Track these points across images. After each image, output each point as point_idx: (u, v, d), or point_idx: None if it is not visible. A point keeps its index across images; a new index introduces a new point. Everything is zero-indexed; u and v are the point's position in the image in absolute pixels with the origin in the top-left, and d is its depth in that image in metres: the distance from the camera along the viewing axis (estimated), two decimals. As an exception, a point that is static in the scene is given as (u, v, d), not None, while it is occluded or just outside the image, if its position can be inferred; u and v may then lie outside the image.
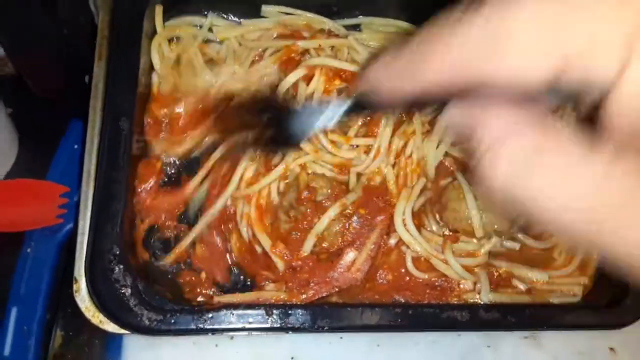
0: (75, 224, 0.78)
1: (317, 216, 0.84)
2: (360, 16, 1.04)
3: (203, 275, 0.84)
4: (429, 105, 0.48)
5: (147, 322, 0.72)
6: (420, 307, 0.81)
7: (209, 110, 0.90)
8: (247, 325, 0.75)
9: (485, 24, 0.36)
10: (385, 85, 0.45)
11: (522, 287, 0.90)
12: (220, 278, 0.85)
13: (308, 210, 0.85)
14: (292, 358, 0.83)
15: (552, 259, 0.95)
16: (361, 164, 0.89)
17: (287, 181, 0.89)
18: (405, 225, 0.86)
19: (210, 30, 0.98)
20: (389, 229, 0.87)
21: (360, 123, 0.91)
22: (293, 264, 0.83)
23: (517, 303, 0.87)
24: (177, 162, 0.91)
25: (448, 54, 0.39)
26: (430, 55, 0.40)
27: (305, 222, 0.84)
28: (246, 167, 0.88)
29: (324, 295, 0.81)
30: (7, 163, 0.94)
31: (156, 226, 0.87)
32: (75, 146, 0.93)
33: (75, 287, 0.75)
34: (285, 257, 0.83)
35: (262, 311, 0.76)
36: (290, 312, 0.76)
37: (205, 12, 0.99)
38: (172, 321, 0.73)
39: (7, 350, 0.78)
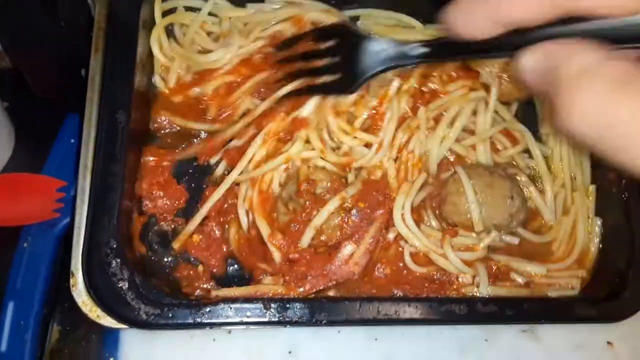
0: (72, 217, 0.78)
1: (316, 209, 0.84)
2: (359, 8, 1.04)
3: (200, 268, 0.84)
4: (501, 50, 0.49)
5: (144, 317, 0.72)
6: (417, 300, 0.81)
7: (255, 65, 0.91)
8: (245, 319, 0.75)
9: None
10: (468, 26, 0.46)
11: (520, 280, 0.89)
12: (217, 269, 0.85)
13: (307, 202, 0.84)
14: (290, 352, 0.83)
15: (551, 252, 0.95)
16: (363, 157, 0.89)
17: (286, 173, 0.89)
18: (404, 220, 0.86)
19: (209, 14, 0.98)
20: (388, 223, 0.87)
21: (365, 116, 0.91)
22: (290, 256, 0.83)
23: (515, 297, 0.87)
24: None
25: None
26: None
27: (304, 215, 0.84)
28: (257, 150, 0.87)
29: (321, 288, 0.81)
30: (4, 157, 0.94)
31: (154, 219, 0.87)
32: (72, 140, 0.92)
33: (72, 281, 0.75)
34: (283, 249, 0.82)
35: (259, 305, 0.76)
36: (288, 305, 0.76)
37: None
38: (170, 315, 0.73)
39: (3, 345, 0.78)
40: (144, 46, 0.91)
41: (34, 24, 0.84)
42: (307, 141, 0.88)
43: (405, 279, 0.86)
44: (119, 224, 0.76)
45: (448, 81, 0.95)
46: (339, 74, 0.77)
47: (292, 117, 0.87)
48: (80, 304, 0.74)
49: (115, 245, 0.74)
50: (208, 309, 0.74)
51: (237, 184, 0.87)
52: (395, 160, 0.91)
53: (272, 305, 0.76)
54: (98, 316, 0.74)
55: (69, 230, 0.80)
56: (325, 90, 0.82)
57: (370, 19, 1.04)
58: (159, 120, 0.91)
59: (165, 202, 0.87)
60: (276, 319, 0.75)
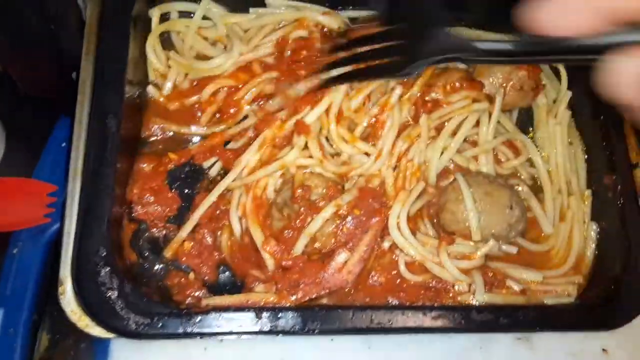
0: (62, 224, 0.77)
1: (311, 215, 0.83)
2: (361, 10, 1.02)
3: (192, 276, 0.83)
4: (589, 52, 0.43)
5: (134, 326, 0.71)
6: (411, 309, 0.80)
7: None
8: (236, 329, 0.74)
9: None
10: (561, 20, 0.41)
11: (516, 287, 0.89)
12: (209, 277, 0.84)
13: (302, 209, 0.84)
14: (282, 360, 0.82)
15: (549, 259, 0.94)
16: (362, 166, 0.88)
17: (282, 179, 0.88)
18: (399, 228, 0.85)
19: (204, 17, 0.97)
20: (384, 231, 0.86)
21: (366, 124, 0.90)
22: (283, 263, 0.82)
23: (510, 305, 0.86)
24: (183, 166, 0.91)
25: None
26: None
27: (298, 221, 0.83)
28: (252, 156, 0.87)
29: (313, 297, 0.80)
30: (-6, 161, 0.93)
31: (144, 225, 0.86)
32: (64, 144, 0.91)
33: (60, 289, 0.74)
34: (276, 256, 0.81)
35: (251, 314, 0.75)
36: (279, 315, 0.75)
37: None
38: (160, 325, 0.72)
39: (-8, 352, 0.77)
40: (136, 50, 0.90)
41: (21, 21, 0.83)
42: (305, 147, 0.87)
43: (400, 287, 0.86)
44: (109, 231, 0.75)
45: (451, 91, 0.93)
46: (397, 57, 0.74)
47: (295, 119, 0.86)
48: (68, 312, 0.73)
49: (104, 253, 0.73)
50: (199, 319, 0.73)
51: (229, 190, 0.86)
52: (394, 168, 0.90)
53: (264, 314, 0.75)
54: (87, 325, 0.73)
55: (59, 236, 0.79)
56: (378, 73, 0.79)
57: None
58: (151, 127, 0.90)
59: (156, 208, 0.86)
60: (268, 329, 0.74)
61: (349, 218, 0.84)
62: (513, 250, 0.90)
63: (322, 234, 0.83)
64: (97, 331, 0.73)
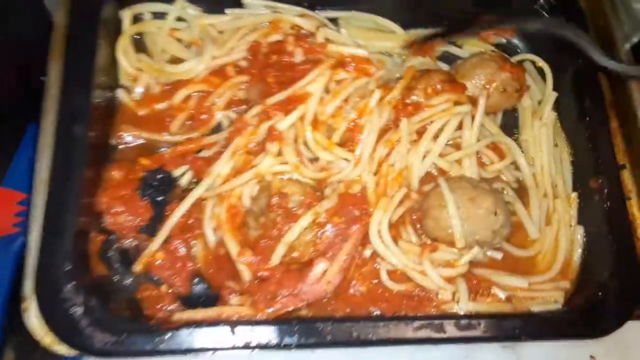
0: (25, 237, 0.73)
1: (288, 224, 0.80)
2: (340, 11, 1.01)
3: (164, 288, 0.80)
4: None
5: (100, 344, 0.68)
6: (392, 320, 0.77)
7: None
8: (209, 345, 0.71)
9: None
10: None
11: (501, 295, 0.86)
12: (182, 289, 0.81)
13: (278, 217, 0.81)
14: (260, 375, 0.79)
15: (535, 264, 0.92)
16: (341, 171, 0.85)
17: (259, 186, 0.85)
18: (381, 236, 0.82)
19: (179, 19, 0.94)
20: (365, 239, 0.83)
21: (344, 128, 0.87)
22: (260, 274, 0.79)
23: (496, 313, 0.84)
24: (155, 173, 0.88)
25: None
26: None
27: (275, 230, 0.80)
28: (224, 165, 0.84)
29: (290, 309, 0.77)
30: (-40, 169, 0.89)
31: (114, 236, 0.82)
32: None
33: (24, 305, 0.70)
34: (252, 266, 0.78)
35: (225, 328, 0.72)
36: (255, 329, 0.72)
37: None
38: (127, 342, 0.69)
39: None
40: (107, 54, 0.86)
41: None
42: (280, 154, 0.84)
43: (382, 297, 0.83)
44: (75, 244, 0.72)
45: (432, 94, 0.91)
46: None
47: (268, 125, 0.83)
48: (32, 330, 0.69)
49: (69, 267, 0.70)
50: (169, 335, 0.70)
51: (203, 199, 0.83)
52: (375, 174, 0.87)
53: (239, 328, 0.72)
54: (52, 343, 0.69)
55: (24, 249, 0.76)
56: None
57: (350, 22, 1.01)
58: (121, 134, 0.87)
59: (127, 217, 0.82)
60: (242, 344, 0.71)
61: (329, 226, 0.82)
62: (498, 256, 0.88)
63: (300, 243, 0.80)
64: (62, 349, 0.69)
